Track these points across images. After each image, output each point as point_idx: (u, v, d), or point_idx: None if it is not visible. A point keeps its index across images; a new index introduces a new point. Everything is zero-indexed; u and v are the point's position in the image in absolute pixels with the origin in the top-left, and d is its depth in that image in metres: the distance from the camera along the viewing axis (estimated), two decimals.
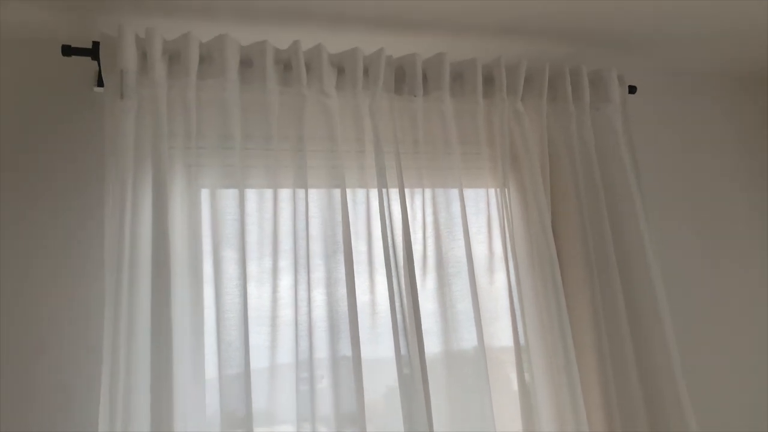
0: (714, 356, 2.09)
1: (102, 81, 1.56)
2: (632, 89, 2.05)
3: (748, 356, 2.13)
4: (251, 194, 1.62)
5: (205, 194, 1.61)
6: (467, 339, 1.69)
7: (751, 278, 2.21)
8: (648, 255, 1.85)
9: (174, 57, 1.60)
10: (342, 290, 1.58)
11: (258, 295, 1.55)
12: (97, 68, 1.58)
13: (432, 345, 1.67)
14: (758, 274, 2.22)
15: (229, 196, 1.58)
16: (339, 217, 1.62)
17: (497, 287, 1.77)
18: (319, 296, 1.57)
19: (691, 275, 2.13)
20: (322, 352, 1.56)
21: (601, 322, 1.77)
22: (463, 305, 1.70)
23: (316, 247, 1.61)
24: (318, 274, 1.59)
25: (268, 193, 1.64)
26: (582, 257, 1.82)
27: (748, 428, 2.05)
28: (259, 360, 1.53)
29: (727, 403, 2.05)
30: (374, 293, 1.66)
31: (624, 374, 1.76)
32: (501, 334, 1.75)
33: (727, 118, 2.36)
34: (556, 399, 1.71)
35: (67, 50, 1.55)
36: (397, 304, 1.61)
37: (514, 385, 1.71)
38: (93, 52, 1.56)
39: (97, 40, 1.56)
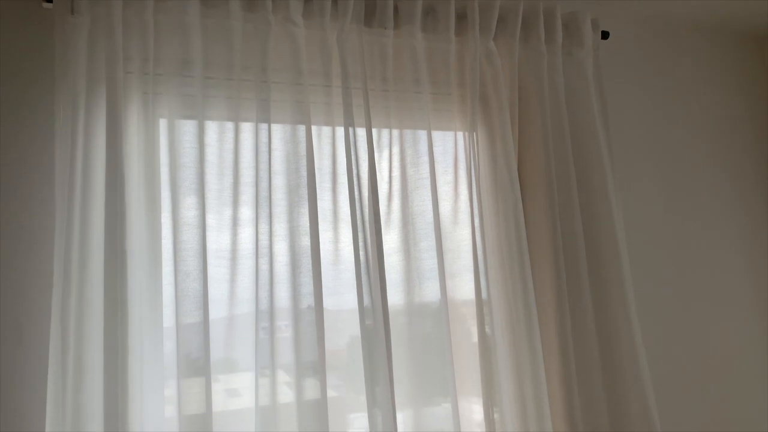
0: (671, 304, 2.13)
1: None
2: (605, 35, 2.02)
3: (707, 308, 2.18)
4: (211, 126, 1.56)
5: (162, 124, 1.54)
6: (429, 279, 1.68)
7: (711, 227, 2.25)
8: (612, 202, 1.87)
9: None
10: (305, 225, 1.55)
11: (218, 227, 1.51)
12: None
13: (394, 286, 1.66)
14: (719, 224, 2.26)
15: (187, 127, 1.51)
16: (303, 151, 1.57)
17: (461, 229, 1.76)
18: (280, 230, 1.54)
19: (653, 224, 2.16)
20: (282, 291, 1.53)
21: (562, 270, 1.78)
22: (426, 244, 1.70)
23: (279, 182, 1.56)
24: (280, 209, 1.55)
25: (229, 125, 1.58)
26: (546, 201, 1.81)
27: (697, 375, 2.12)
28: (217, 300, 1.50)
29: (677, 346, 2.11)
30: (338, 231, 1.63)
31: (582, 325, 1.78)
32: (464, 274, 1.74)
33: (698, 71, 2.36)
34: (515, 351, 1.72)
35: None
36: (361, 244, 1.59)
37: (475, 337, 1.70)
38: None
39: None
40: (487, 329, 1.69)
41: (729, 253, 2.25)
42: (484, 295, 1.69)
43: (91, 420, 1.34)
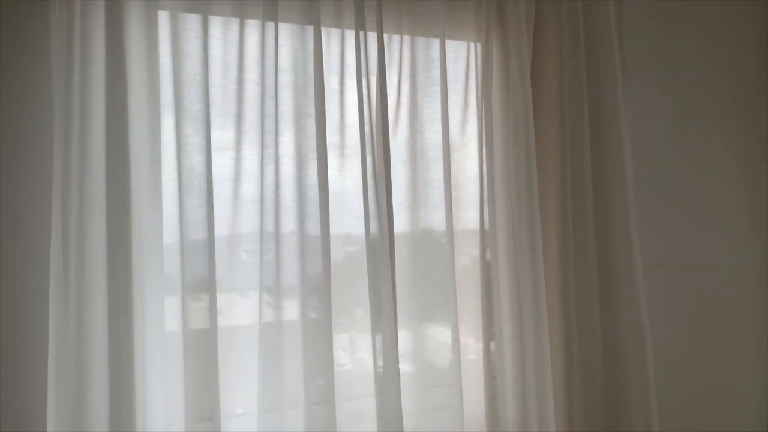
0: (673, 221, 2.13)
1: None
2: None
3: (704, 221, 2.19)
4: (215, 21, 1.49)
5: (162, 17, 1.47)
6: (435, 190, 1.67)
7: (713, 148, 2.24)
8: (622, 125, 1.82)
9: None
10: (311, 127, 1.50)
11: (222, 124, 1.45)
12: None
13: (398, 195, 1.64)
14: (720, 147, 2.25)
15: (190, 17, 1.44)
16: (311, 48, 1.51)
17: (469, 140, 1.74)
18: (286, 131, 1.49)
19: (661, 148, 2.13)
20: (288, 194, 1.49)
21: (568, 191, 1.76)
22: (433, 154, 1.67)
23: (285, 79, 1.50)
24: (286, 107, 1.50)
25: (234, 22, 1.51)
26: (556, 116, 1.76)
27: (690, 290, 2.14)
28: (222, 199, 1.46)
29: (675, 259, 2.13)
30: (344, 136, 1.59)
31: (584, 253, 1.78)
32: (468, 186, 1.73)
33: (718, 10, 2.27)
34: (516, 273, 1.70)
35: None
36: (369, 151, 1.56)
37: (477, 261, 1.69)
38: None
39: None
40: (489, 253, 1.68)
41: (731, 182, 2.25)
42: (487, 211, 1.68)
43: (96, 322, 1.32)
